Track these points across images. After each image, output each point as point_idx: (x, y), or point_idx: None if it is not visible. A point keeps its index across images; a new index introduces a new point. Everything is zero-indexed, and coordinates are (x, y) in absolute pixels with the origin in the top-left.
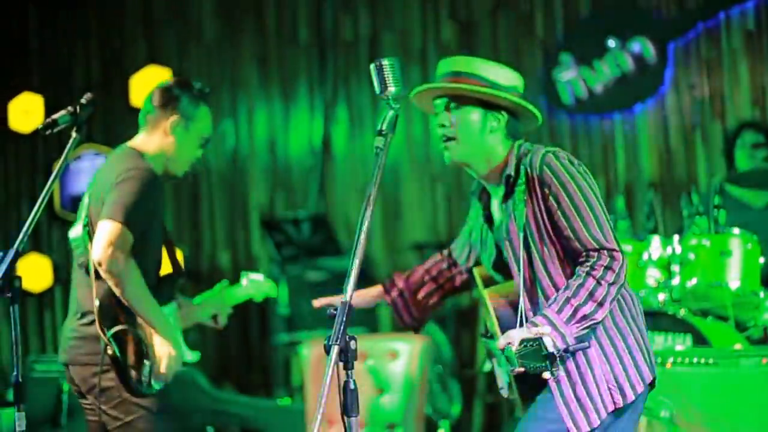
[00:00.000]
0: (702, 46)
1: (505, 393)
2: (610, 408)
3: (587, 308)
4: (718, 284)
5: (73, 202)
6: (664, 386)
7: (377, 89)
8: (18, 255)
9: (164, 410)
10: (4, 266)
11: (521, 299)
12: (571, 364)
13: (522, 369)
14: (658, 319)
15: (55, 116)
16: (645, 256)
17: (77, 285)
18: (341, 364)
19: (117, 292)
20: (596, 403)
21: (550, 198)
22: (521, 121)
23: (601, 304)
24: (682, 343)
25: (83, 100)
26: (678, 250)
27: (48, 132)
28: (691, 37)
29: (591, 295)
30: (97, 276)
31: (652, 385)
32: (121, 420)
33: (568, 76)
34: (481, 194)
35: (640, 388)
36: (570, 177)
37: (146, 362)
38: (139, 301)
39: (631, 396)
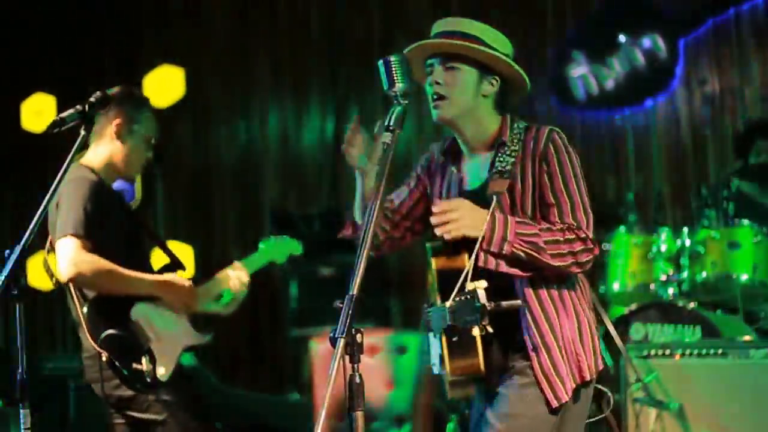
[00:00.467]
0: (712, 41)
1: (436, 369)
2: (579, 379)
3: (542, 243)
4: (727, 276)
5: None
6: (673, 378)
7: (385, 85)
8: (24, 253)
9: (194, 400)
10: (10, 264)
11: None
12: (545, 328)
13: (454, 325)
14: (667, 312)
15: (63, 114)
16: (654, 249)
17: (70, 308)
18: (347, 358)
19: (103, 293)
20: (565, 374)
21: (545, 176)
22: (511, 89)
23: (553, 256)
24: (691, 335)
25: (92, 99)
26: (687, 242)
27: (56, 130)
28: (701, 33)
29: (556, 242)
30: (79, 290)
31: (599, 375)
32: (156, 421)
33: (580, 72)
34: (452, 154)
35: (594, 371)
36: (569, 160)
37: (144, 358)
38: (125, 285)
39: (587, 375)
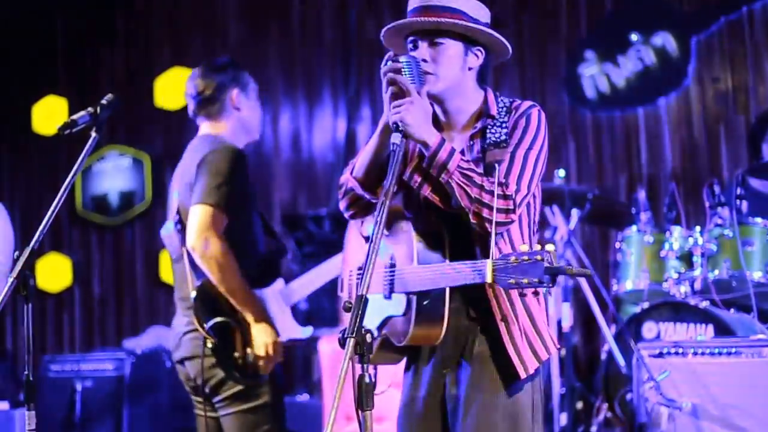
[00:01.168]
0: (725, 39)
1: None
2: (543, 356)
3: (476, 179)
4: (740, 275)
5: (95, 203)
6: (686, 377)
7: (411, 85)
8: (33, 254)
9: (279, 401)
10: (19, 265)
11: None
12: (518, 303)
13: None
14: (680, 310)
15: (74, 116)
16: (667, 248)
17: (179, 282)
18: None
19: (213, 278)
20: (530, 348)
21: (509, 138)
22: (494, 57)
23: (472, 199)
24: (703, 334)
25: (103, 101)
26: (700, 241)
27: (67, 132)
28: (714, 31)
29: (482, 188)
30: (194, 267)
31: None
32: (237, 409)
33: (591, 71)
34: None
35: (549, 353)
36: (535, 132)
37: (250, 351)
38: (233, 291)
39: (545, 354)
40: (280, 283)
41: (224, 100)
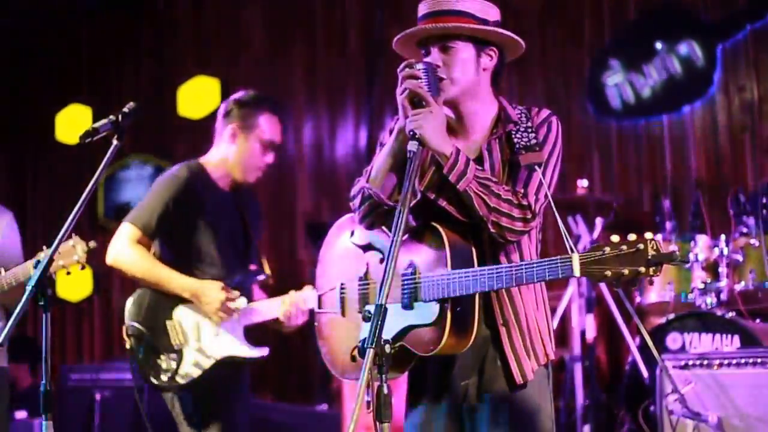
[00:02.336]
0: (750, 47)
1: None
2: (543, 360)
3: (494, 188)
4: (766, 285)
5: (116, 211)
6: (711, 389)
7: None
8: (51, 263)
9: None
10: (38, 274)
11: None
12: (520, 308)
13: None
14: (705, 321)
15: (96, 125)
16: (692, 258)
17: None
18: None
19: (130, 277)
20: (531, 352)
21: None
22: (507, 54)
23: (491, 209)
24: (729, 344)
25: (125, 109)
26: (725, 251)
27: (88, 140)
28: (739, 39)
29: (498, 197)
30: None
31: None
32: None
33: (616, 80)
34: None
35: (553, 355)
36: (553, 144)
37: (166, 356)
38: (143, 274)
39: (550, 355)
40: (242, 301)
41: None
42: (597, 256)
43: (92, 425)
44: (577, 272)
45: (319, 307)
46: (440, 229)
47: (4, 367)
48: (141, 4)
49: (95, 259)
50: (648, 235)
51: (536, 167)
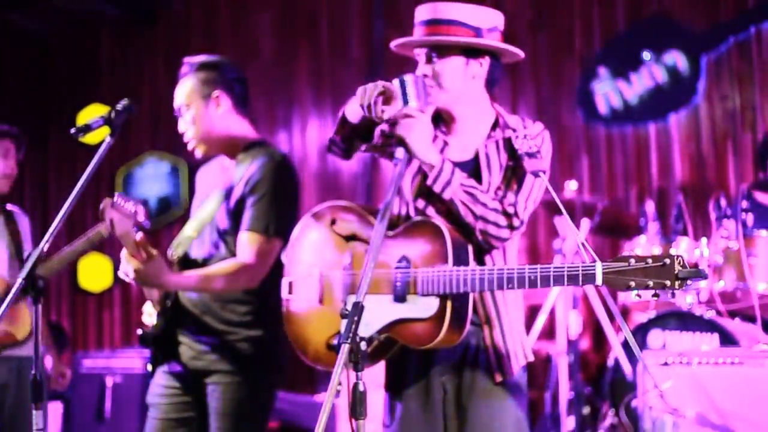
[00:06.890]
0: (733, 58)
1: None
2: (522, 361)
3: (479, 198)
4: (744, 286)
5: None
6: (690, 386)
7: (400, 103)
8: (41, 256)
9: None
10: (28, 266)
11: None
12: (502, 307)
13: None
14: (685, 320)
15: (89, 121)
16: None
17: None
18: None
19: None
20: (513, 350)
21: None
22: (504, 59)
23: (477, 217)
24: (708, 344)
25: (118, 106)
26: (706, 252)
27: (80, 136)
28: (723, 50)
29: (485, 205)
30: None
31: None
32: None
33: (605, 87)
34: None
35: (531, 357)
36: (547, 157)
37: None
38: None
39: (529, 356)
40: None
41: None
42: (621, 267)
43: (103, 409)
44: (599, 281)
45: (290, 293)
46: (440, 225)
47: (27, 357)
48: (157, 12)
49: (116, 251)
50: (673, 251)
51: (541, 173)
